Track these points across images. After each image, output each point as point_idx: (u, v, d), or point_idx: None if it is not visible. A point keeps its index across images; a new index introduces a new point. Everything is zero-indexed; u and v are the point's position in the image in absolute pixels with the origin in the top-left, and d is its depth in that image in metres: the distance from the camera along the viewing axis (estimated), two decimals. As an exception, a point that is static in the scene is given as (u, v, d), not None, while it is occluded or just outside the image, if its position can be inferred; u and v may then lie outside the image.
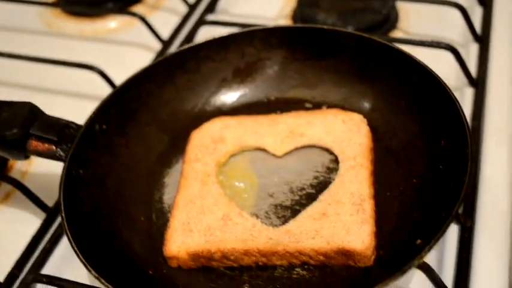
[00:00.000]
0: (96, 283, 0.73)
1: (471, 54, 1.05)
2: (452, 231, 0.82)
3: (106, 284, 0.69)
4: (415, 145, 0.85)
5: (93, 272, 0.71)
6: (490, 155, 0.90)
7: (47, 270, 0.85)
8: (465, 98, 0.98)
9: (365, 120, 0.90)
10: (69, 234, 0.75)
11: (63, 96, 1.14)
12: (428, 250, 0.67)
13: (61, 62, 1.09)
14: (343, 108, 0.93)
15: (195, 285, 0.78)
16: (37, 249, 0.88)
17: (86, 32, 1.28)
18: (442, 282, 0.74)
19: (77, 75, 1.10)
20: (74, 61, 1.08)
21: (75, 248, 0.73)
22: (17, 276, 0.85)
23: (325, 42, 0.94)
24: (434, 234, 0.68)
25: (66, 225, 0.76)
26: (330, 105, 0.94)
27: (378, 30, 1.12)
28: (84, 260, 0.72)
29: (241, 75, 0.98)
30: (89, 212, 0.81)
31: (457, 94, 0.80)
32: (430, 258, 0.79)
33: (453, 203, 0.70)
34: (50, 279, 0.80)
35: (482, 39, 1.07)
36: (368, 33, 0.93)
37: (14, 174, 1.00)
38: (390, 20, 1.14)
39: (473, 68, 1.02)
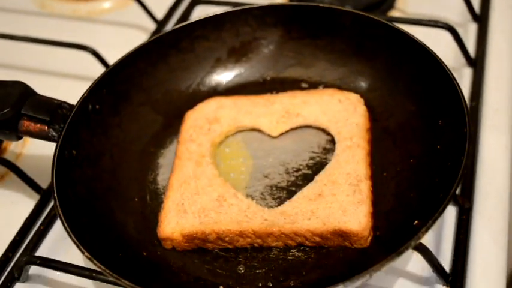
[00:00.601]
0: (89, 265, 0.73)
1: (469, 34, 1.04)
2: (450, 213, 0.81)
3: (99, 265, 0.68)
4: (412, 125, 0.84)
5: (86, 253, 0.70)
6: (488, 135, 0.89)
7: (41, 252, 0.84)
8: (463, 78, 0.97)
9: (362, 100, 0.89)
10: (61, 215, 0.74)
11: (57, 76, 1.12)
12: (426, 231, 0.66)
13: (54, 42, 1.07)
14: (340, 88, 0.92)
15: (189, 266, 0.77)
16: (31, 231, 0.87)
17: (80, 13, 1.26)
18: (439, 263, 0.73)
19: (70, 55, 1.09)
20: (67, 41, 1.06)
21: (68, 229, 0.72)
22: (11, 259, 0.84)
23: (321, 21, 0.93)
24: (431, 215, 0.67)
25: (58, 206, 0.74)
26: (327, 85, 0.93)
27: (375, 9, 1.10)
28: (76, 241, 0.71)
29: (236, 55, 0.97)
30: (82, 194, 0.80)
31: (455, 74, 0.78)
32: (427, 240, 0.78)
33: (451, 183, 0.69)
34: (43, 261, 0.79)
35: (481, 18, 1.05)
36: (365, 12, 0.91)
37: (7, 156, 0.98)
38: (388, -1, 1.13)
39: (471, 48, 1.01)
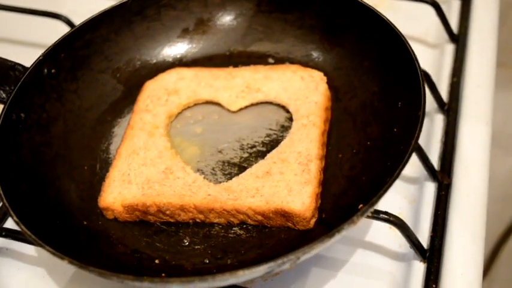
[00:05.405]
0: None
1: (453, 9, 1.01)
2: (429, 189, 0.80)
3: (25, 229, 0.66)
4: (373, 107, 0.80)
5: (14, 217, 0.67)
6: (469, 111, 0.87)
7: (8, 224, 0.81)
8: (445, 54, 0.95)
9: (325, 78, 0.85)
10: None
11: (29, 46, 1.09)
12: (362, 215, 0.63)
13: (27, 10, 1.05)
14: (306, 65, 0.88)
15: (128, 238, 0.75)
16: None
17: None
18: (417, 239, 0.72)
19: (43, 24, 1.05)
20: (40, 9, 1.04)
21: (1, 192, 0.70)
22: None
23: (292, -5, 0.89)
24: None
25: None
26: (293, 62, 0.90)
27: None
28: (8, 205, 0.68)
29: (204, 26, 0.93)
30: (26, 158, 0.78)
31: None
32: (405, 216, 0.76)
33: (397, 167, 0.66)
34: (9, 232, 0.77)
35: (465, -6, 1.03)
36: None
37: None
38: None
39: (454, 24, 0.99)
